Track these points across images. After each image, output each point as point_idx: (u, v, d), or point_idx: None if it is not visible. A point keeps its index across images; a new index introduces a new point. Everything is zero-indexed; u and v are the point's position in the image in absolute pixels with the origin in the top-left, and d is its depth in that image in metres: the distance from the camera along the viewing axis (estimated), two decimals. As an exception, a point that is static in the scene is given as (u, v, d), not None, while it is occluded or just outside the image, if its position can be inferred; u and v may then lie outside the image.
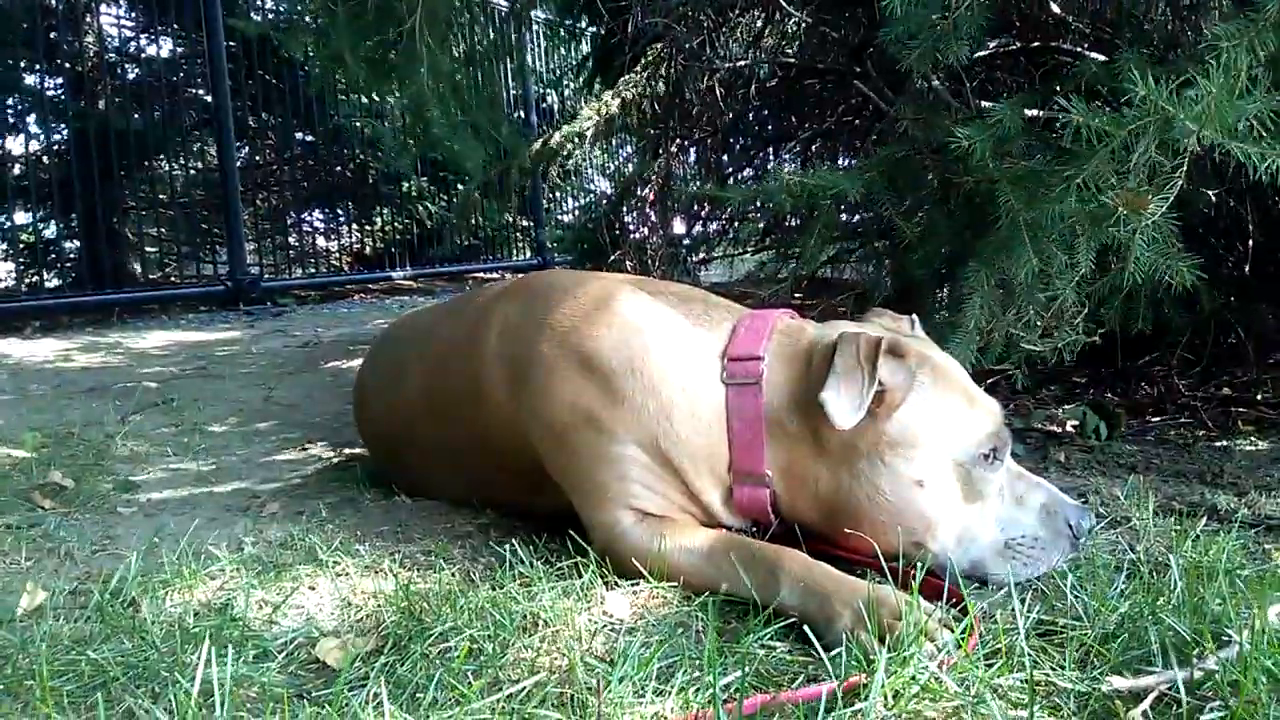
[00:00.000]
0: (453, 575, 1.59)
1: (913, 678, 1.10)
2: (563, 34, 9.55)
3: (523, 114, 9.64)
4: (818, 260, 3.58)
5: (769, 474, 1.60)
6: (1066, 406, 2.85)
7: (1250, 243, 3.04)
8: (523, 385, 1.76)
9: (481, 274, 9.23)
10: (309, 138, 9.13)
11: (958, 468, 1.54)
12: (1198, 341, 2.97)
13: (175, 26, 7.92)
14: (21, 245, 7.89)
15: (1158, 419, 2.84)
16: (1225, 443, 2.46)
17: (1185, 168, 1.65)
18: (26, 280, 7.37)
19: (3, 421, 3.13)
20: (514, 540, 1.68)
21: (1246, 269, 3.10)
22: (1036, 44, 3.24)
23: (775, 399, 1.60)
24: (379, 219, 9.49)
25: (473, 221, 9.38)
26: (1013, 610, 1.33)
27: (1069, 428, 2.69)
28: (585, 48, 7.22)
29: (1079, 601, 1.37)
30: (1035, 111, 2.21)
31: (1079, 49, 3.03)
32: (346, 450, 2.69)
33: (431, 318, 2.31)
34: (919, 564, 1.44)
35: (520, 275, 1.98)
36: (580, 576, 1.54)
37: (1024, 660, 1.18)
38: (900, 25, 1.89)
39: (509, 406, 1.79)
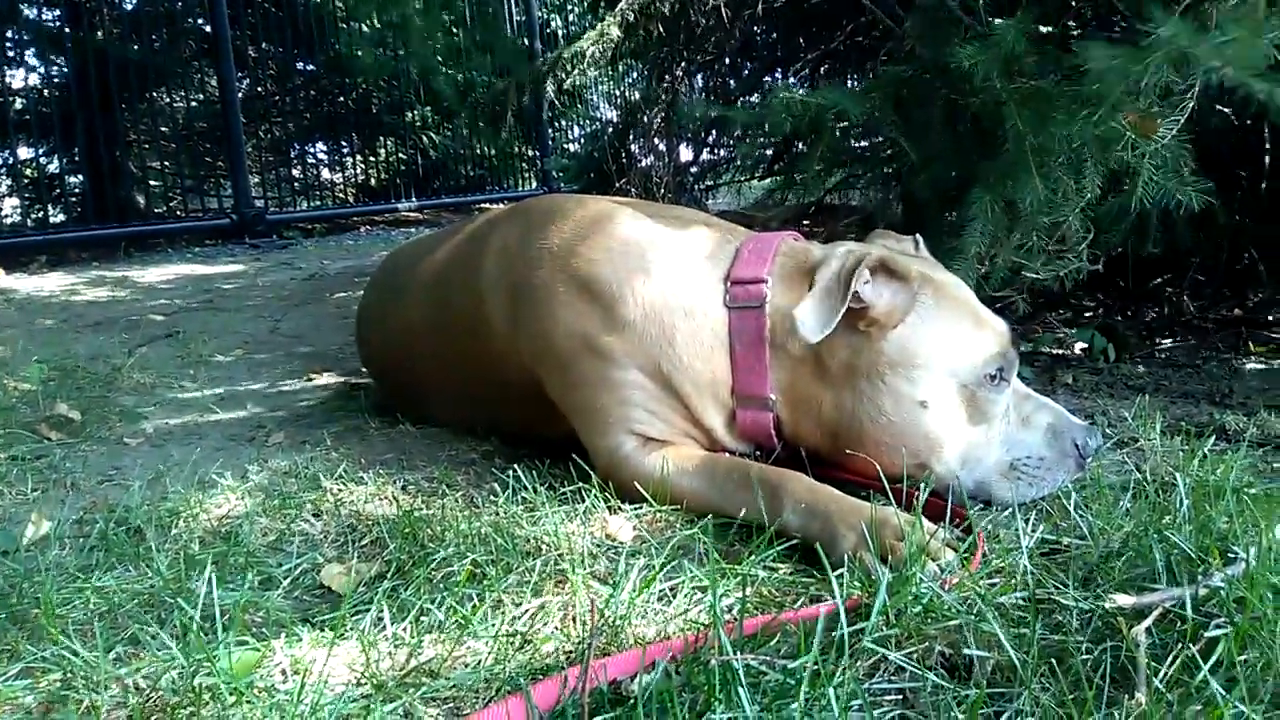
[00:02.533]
0: (456, 501, 1.59)
1: (915, 597, 1.09)
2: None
3: (526, 40, 9.46)
4: (824, 185, 3.53)
5: (772, 398, 1.59)
6: (1074, 330, 2.82)
7: (1266, 161, 2.98)
8: (522, 311, 1.74)
9: (487, 204, 9.15)
10: (310, 67, 8.98)
11: (962, 389, 1.52)
12: (1209, 264, 2.93)
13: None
14: (26, 180, 7.84)
15: (1167, 341, 2.81)
16: (1235, 364, 2.43)
17: (1197, 89, 1.59)
18: (32, 215, 7.34)
19: (10, 354, 3.13)
20: (517, 466, 1.68)
21: (1262, 187, 3.04)
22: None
23: (778, 321, 1.58)
24: (383, 150, 9.38)
25: (478, 151, 9.29)
26: (1016, 530, 1.32)
27: (1077, 350, 2.67)
28: (589, -31, 7.05)
29: (1083, 521, 1.37)
30: (1048, 29, 2.14)
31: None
32: (351, 380, 2.69)
33: (431, 245, 2.28)
34: (923, 485, 1.43)
35: (519, 201, 1.94)
36: (583, 502, 1.54)
37: (1027, 579, 1.18)
38: None
39: (509, 333, 1.77)
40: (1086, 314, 3.12)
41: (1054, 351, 2.71)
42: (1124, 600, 1.06)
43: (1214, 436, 1.77)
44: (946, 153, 2.20)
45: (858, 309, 1.49)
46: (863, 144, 3.30)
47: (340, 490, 1.67)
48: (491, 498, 1.61)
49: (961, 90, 2.06)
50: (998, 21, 1.96)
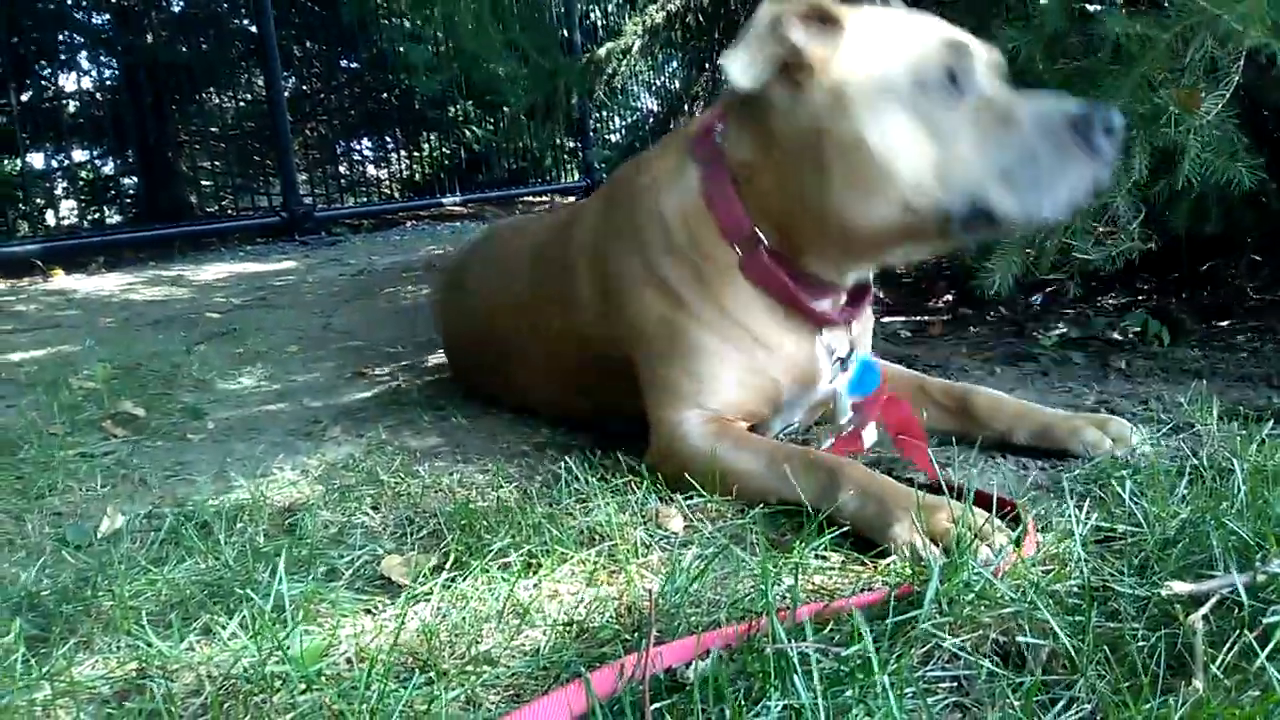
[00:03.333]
0: (510, 493, 1.62)
1: (967, 584, 1.10)
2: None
3: (565, 33, 9.48)
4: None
5: (757, 231, 1.61)
6: (1129, 314, 2.79)
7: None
8: (607, 285, 1.79)
9: (530, 197, 9.20)
10: (354, 65, 9.10)
11: (908, 104, 1.41)
12: (1268, 243, 2.87)
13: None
14: (82, 182, 8.03)
15: (1224, 324, 2.76)
16: (1295, 346, 2.39)
17: (1242, 63, 1.56)
18: (89, 216, 7.52)
19: (75, 353, 3.22)
20: (569, 458, 1.71)
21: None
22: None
23: (738, 168, 1.61)
24: (426, 145, 9.47)
25: (520, 145, 9.33)
26: (1069, 516, 1.32)
27: (1131, 335, 2.63)
28: (628, -40, 7.05)
29: (1138, 507, 1.36)
30: (1094, 7, 2.11)
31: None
32: (402, 375, 2.73)
33: (534, 220, 2.37)
34: (933, 226, 1.43)
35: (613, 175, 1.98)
36: (635, 493, 1.56)
37: (1081, 566, 1.17)
38: None
39: (596, 304, 1.82)
40: (1140, 297, 3.07)
41: (1107, 336, 2.68)
42: (1180, 587, 1.05)
43: (1272, 421, 1.75)
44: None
45: (790, 60, 1.46)
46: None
47: (397, 483, 1.71)
48: (545, 489, 1.63)
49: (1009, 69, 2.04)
50: (1042, 1, 1.94)
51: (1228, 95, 1.59)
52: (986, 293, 2.01)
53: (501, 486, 1.66)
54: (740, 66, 1.44)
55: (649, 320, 1.69)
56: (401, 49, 8.34)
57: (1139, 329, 2.58)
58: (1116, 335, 2.69)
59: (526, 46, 3.39)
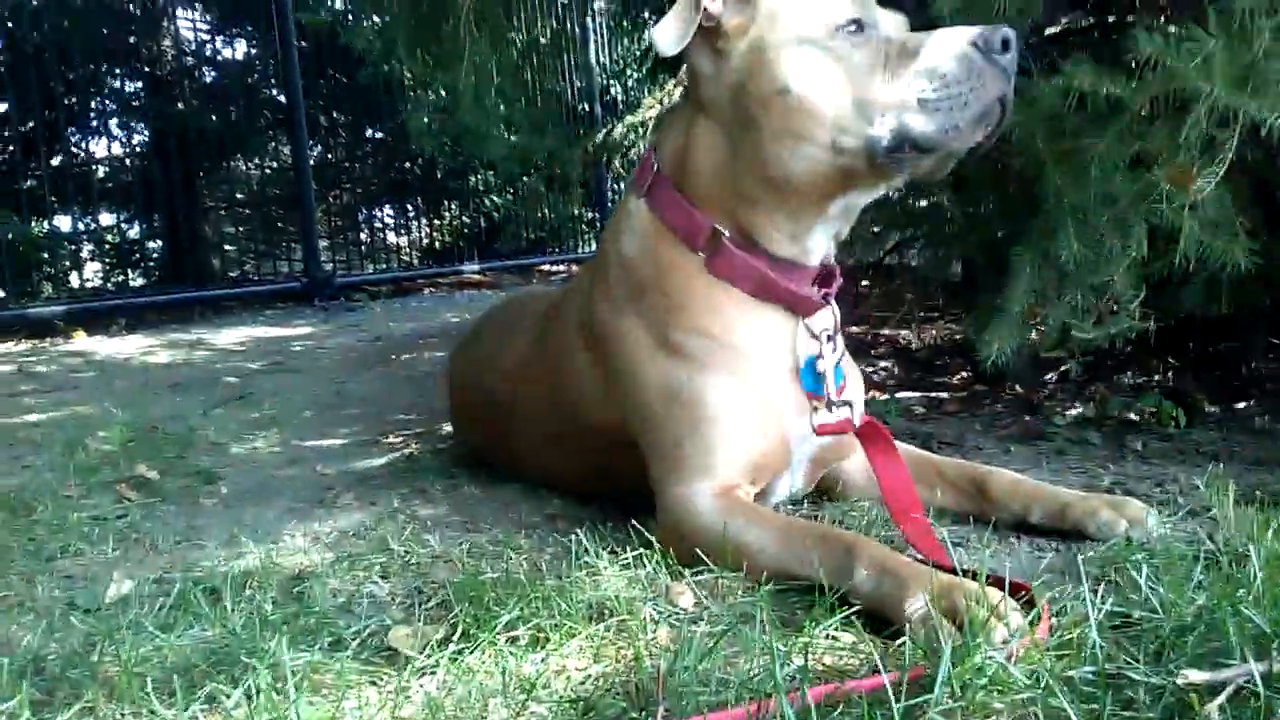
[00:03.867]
0: (520, 564, 1.61)
1: (980, 668, 1.08)
2: (626, 25, 9.53)
3: (587, 106, 9.67)
4: (883, 246, 3.53)
5: (719, 228, 1.65)
6: (1144, 395, 2.78)
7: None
8: (599, 351, 1.80)
9: (548, 266, 9.29)
10: (379, 134, 9.29)
11: (821, 50, 1.53)
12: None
13: (249, 28, 8.12)
14: (108, 245, 8.17)
15: (1240, 404, 2.75)
16: (1312, 429, 2.38)
17: (1235, 140, 1.56)
18: (113, 279, 7.64)
19: (93, 415, 3.25)
20: (580, 530, 1.70)
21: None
22: (1112, 19, 3.15)
23: (673, 161, 1.70)
24: (447, 214, 9.61)
25: (539, 214, 9.45)
26: (1084, 601, 1.30)
27: (1147, 415, 2.62)
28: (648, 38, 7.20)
29: (1154, 593, 1.34)
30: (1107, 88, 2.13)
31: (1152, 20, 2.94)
32: (416, 443, 2.74)
33: (542, 291, 2.39)
34: (864, 163, 1.52)
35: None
36: (645, 567, 1.55)
37: (1096, 652, 1.16)
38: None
39: (592, 373, 1.82)
40: (1156, 376, 3.07)
41: (1123, 416, 2.67)
42: (1196, 676, 1.04)
43: (1289, 506, 1.73)
44: (995, 213, 2.21)
45: (710, 26, 1.58)
46: (921, 203, 3.31)
47: (407, 552, 1.71)
48: (555, 561, 1.63)
49: (1006, 151, 2.06)
50: (1038, 81, 1.96)
51: (1221, 173, 1.59)
52: (988, 366, 2.01)
53: (511, 558, 1.65)
54: (664, 34, 1.57)
55: (643, 383, 1.70)
56: (426, 119, 8.50)
57: (1155, 410, 2.57)
58: (1133, 415, 2.68)
59: (519, 121, 3.47)
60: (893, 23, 1.60)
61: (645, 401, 1.70)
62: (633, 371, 1.71)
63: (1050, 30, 3.11)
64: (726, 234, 1.65)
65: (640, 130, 3.92)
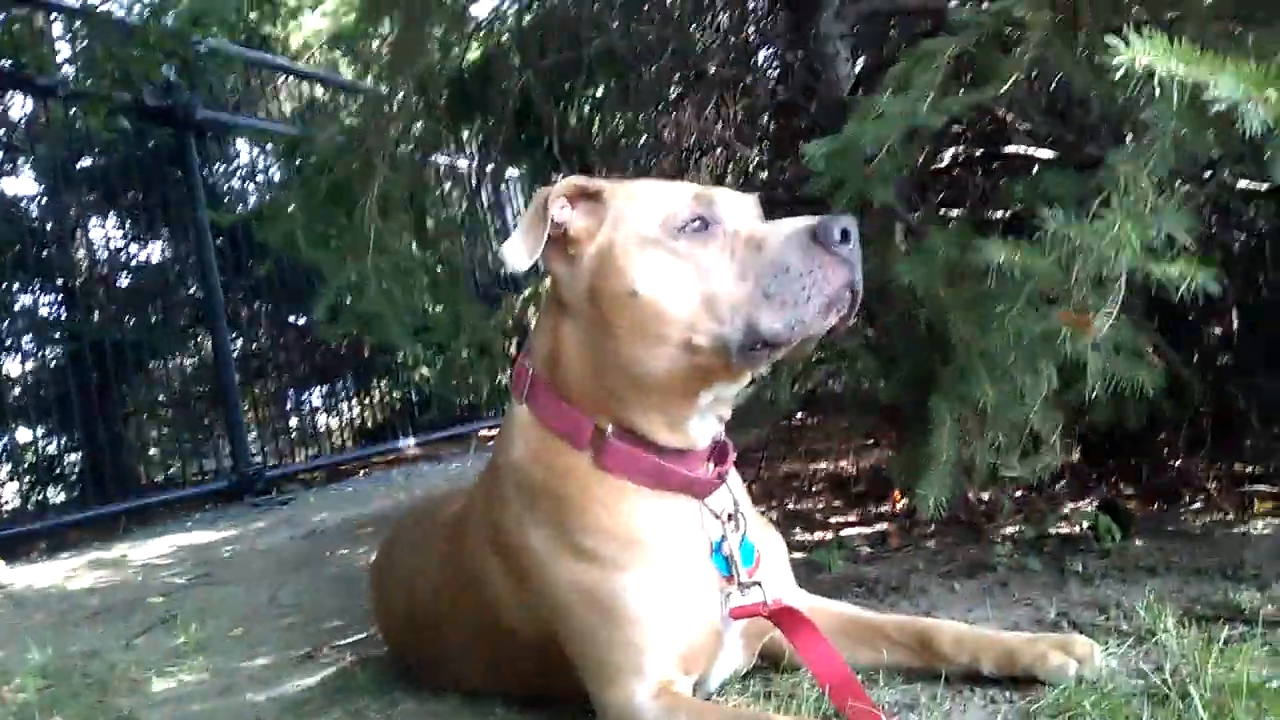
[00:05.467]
0: (460, 793, 1.52)
1: None
2: (542, 185, 9.77)
3: (505, 271, 9.80)
4: (809, 380, 3.57)
5: (600, 425, 1.62)
6: (1080, 504, 2.80)
7: (1234, 312, 3.03)
8: (509, 564, 1.73)
9: (486, 430, 9.22)
10: (302, 320, 9.26)
11: (666, 250, 1.55)
12: (1198, 427, 2.92)
13: (165, 231, 8.14)
14: (25, 465, 7.91)
15: (1173, 505, 2.78)
16: (1245, 529, 2.41)
17: (1123, 281, 1.62)
18: (32, 499, 7.36)
19: (7, 656, 3.06)
20: (521, 744, 1.62)
21: (1234, 339, 3.08)
22: (989, 150, 3.31)
23: (546, 364, 1.69)
24: (377, 391, 9.54)
25: (470, 381, 9.44)
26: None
27: (1085, 529, 2.63)
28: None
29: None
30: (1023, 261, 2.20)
31: (1030, 150, 3.10)
32: (350, 653, 2.62)
33: (445, 499, 2.32)
34: (719, 360, 1.52)
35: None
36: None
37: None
38: (825, 176, 1.91)
39: (505, 583, 1.75)
40: (1090, 483, 3.10)
41: (1061, 532, 2.68)
42: None
43: (1229, 621, 1.72)
44: (909, 359, 2.25)
45: (558, 235, 1.60)
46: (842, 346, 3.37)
47: (340, 792, 1.60)
48: (496, 784, 1.54)
49: (911, 300, 2.11)
50: (930, 238, 2.03)
51: (1115, 312, 1.64)
52: (928, 515, 2.01)
53: (450, 785, 1.56)
54: (513, 251, 1.58)
55: (558, 591, 1.64)
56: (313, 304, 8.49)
57: (1092, 525, 2.58)
58: (1071, 529, 2.69)
59: (442, 312, 3.51)
60: (742, 209, 1.62)
61: (564, 609, 1.63)
62: (546, 581, 1.65)
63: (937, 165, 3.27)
64: (609, 429, 1.63)
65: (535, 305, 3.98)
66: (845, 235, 1.49)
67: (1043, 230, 1.62)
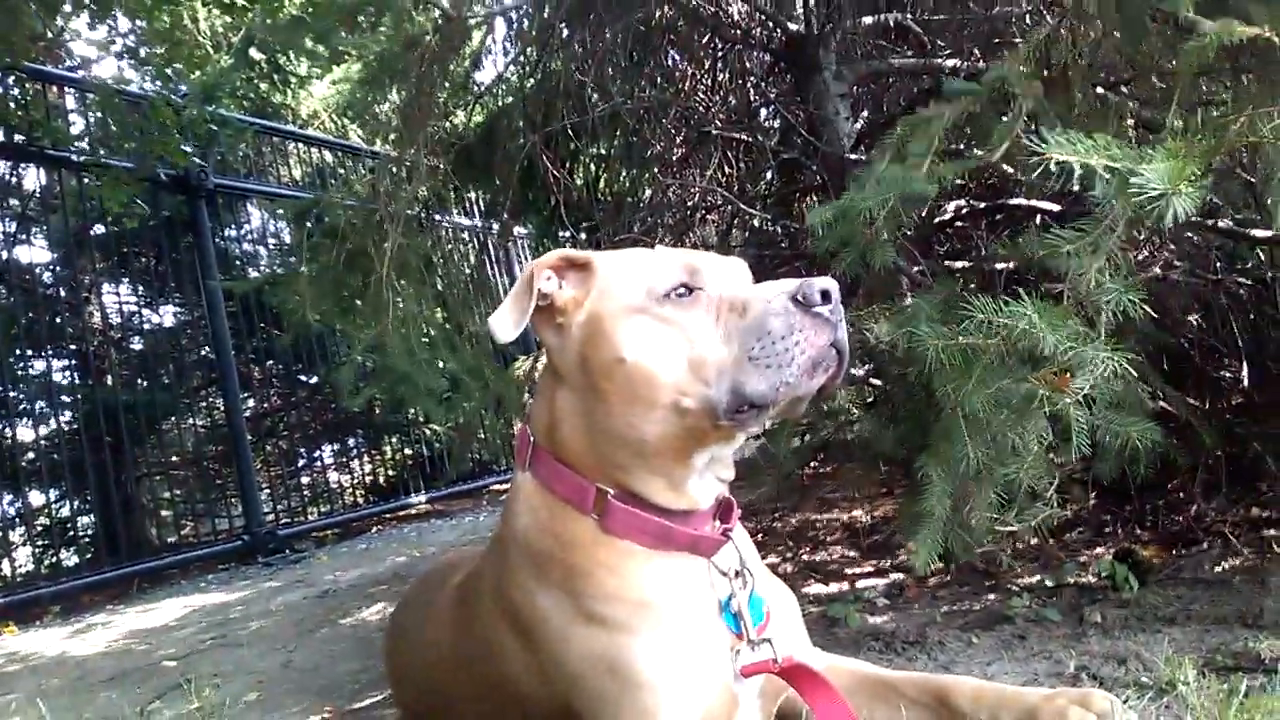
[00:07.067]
0: None
1: None
2: (548, 244, 9.86)
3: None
4: (819, 431, 3.57)
5: (603, 489, 1.62)
6: (1097, 550, 2.78)
7: (1243, 357, 3.04)
8: (523, 636, 1.72)
9: (497, 485, 9.21)
10: (313, 379, 9.31)
11: (651, 316, 1.57)
12: (1216, 464, 2.91)
13: (177, 295, 8.23)
14: (39, 528, 7.92)
15: (1191, 550, 2.76)
16: (1262, 575, 2.39)
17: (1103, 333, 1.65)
18: (45, 563, 7.36)
19: (20, 730, 3.05)
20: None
21: (1243, 383, 3.08)
22: (992, 203, 3.36)
23: (545, 432, 1.70)
24: (389, 448, 9.55)
25: (481, 435, 9.46)
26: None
27: (1103, 578, 2.62)
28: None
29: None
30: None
31: (1033, 202, 3.14)
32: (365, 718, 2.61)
33: (456, 564, 2.31)
34: (708, 422, 1.53)
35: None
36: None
37: None
38: (826, 240, 1.94)
39: (521, 655, 1.74)
40: (1106, 530, 3.08)
41: (1079, 581, 2.66)
42: None
43: (1249, 672, 1.71)
44: (908, 417, 2.26)
45: (546, 306, 1.64)
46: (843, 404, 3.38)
47: None
48: None
49: (901, 361, 2.12)
50: (909, 300, 2.06)
51: (1099, 370, 1.64)
52: (919, 573, 2.01)
53: None
54: (500, 323, 1.61)
55: (570, 659, 1.62)
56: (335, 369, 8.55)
57: (1109, 575, 2.56)
58: (1088, 578, 2.67)
59: (458, 370, 3.53)
60: (729, 273, 1.65)
61: (577, 677, 1.62)
62: (558, 649, 1.64)
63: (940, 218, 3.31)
64: (612, 493, 1.63)
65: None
66: (826, 296, 1.51)
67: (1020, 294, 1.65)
